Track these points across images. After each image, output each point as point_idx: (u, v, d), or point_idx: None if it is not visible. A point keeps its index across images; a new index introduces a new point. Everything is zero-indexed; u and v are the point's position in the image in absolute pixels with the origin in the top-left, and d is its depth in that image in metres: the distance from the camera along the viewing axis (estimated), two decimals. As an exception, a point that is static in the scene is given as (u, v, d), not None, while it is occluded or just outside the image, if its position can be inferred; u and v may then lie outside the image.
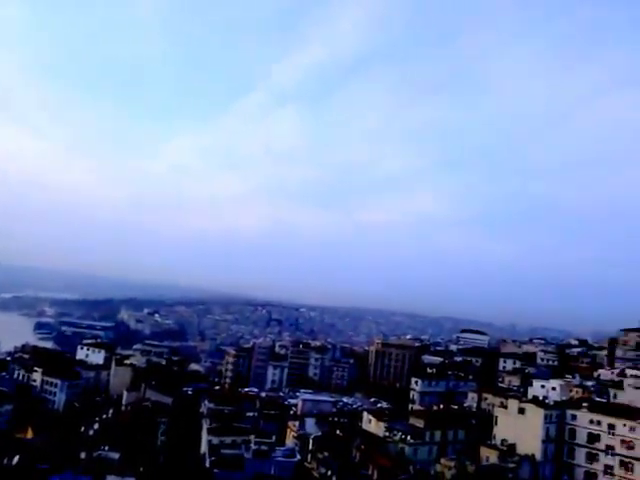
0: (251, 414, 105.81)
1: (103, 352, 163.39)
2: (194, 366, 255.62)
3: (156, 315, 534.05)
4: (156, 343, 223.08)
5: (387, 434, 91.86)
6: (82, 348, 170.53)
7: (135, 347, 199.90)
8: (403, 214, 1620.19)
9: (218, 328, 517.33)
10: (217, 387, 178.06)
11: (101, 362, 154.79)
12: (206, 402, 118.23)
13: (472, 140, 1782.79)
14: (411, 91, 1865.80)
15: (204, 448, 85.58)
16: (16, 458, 59.28)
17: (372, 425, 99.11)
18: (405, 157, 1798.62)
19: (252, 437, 79.44)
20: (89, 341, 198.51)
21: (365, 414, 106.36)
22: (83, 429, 75.86)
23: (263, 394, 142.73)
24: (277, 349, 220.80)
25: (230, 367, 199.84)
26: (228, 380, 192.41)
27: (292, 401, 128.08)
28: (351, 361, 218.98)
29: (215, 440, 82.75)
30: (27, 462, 59.03)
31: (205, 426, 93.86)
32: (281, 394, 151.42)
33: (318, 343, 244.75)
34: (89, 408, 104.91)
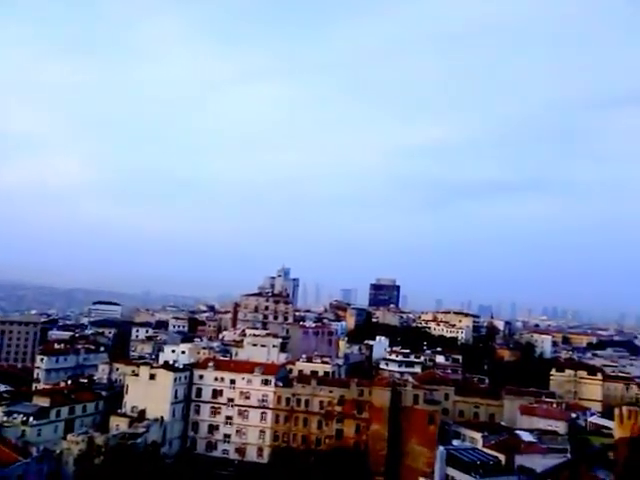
0: None
1: None
2: None
3: None
4: None
5: (5, 419, 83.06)
6: None
7: None
8: (34, 178, 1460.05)
9: None
10: None
11: None
12: None
13: (112, 107, 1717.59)
14: (47, 48, 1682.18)
15: None
16: None
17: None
18: (35, 118, 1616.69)
19: None
20: None
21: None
22: None
23: None
24: None
25: None
26: None
27: None
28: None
29: None
30: None
31: None
32: None
33: None
34: None
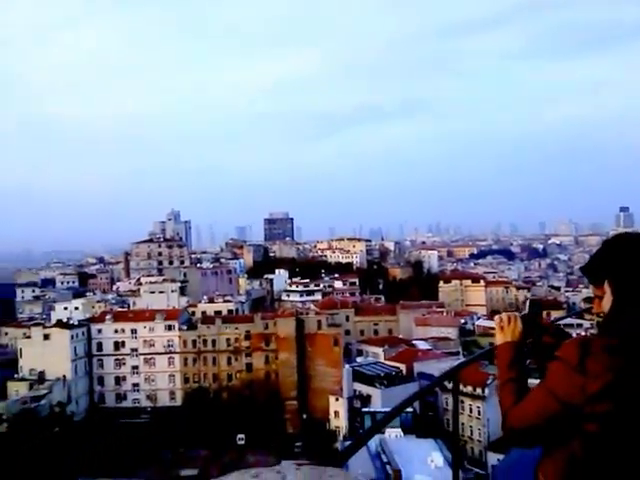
0: None
1: None
2: None
3: None
4: None
5: None
6: None
7: None
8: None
9: None
10: None
11: None
12: None
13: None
14: None
15: None
16: None
17: None
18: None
19: None
20: None
21: None
22: None
23: None
24: None
25: None
26: None
27: None
28: None
29: None
30: None
31: None
32: None
33: None
34: None
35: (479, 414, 69.12)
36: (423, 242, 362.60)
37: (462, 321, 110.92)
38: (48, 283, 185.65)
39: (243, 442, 79.19)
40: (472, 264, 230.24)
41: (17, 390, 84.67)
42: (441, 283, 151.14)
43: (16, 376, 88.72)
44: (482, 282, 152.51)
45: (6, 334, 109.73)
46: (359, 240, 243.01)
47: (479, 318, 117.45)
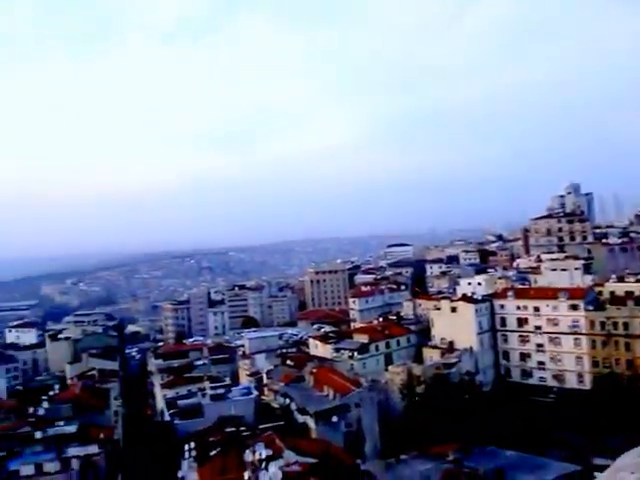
0: (201, 362, 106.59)
1: (34, 331, 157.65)
2: (133, 327, 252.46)
3: (80, 284, 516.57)
4: (87, 312, 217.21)
5: (335, 354, 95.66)
6: (10, 331, 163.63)
7: (66, 320, 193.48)
8: (308, 144, 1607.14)
9: (149, 286, 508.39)
10: (161, 343, 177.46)
11: (34, 341, 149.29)
12: (153, 359, 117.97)
13: (358, 61, 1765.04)
14: (289, 19, 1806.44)
15: (160, 403, 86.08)
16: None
17: (319, 349, 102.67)
18: (297, 87, 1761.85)
19: (206, 383, 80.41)
20: (16, 322, 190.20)
21: (311, 340, 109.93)
22: (32, 410, 74.09)
23: (209, 341, 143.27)
24: (213, 296, 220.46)
25: (170, 322, 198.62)
26: (171, 334, 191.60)
27: (238, 342, 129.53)
28: (288, 294, 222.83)
29: (170, 393, 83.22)
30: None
31: (157, 382, 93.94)
32: (226, 338, 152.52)
33: (253, 283, 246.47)
34: (33, 389, 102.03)
35: None
36: None
37: None
38: (452, 260, 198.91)
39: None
40: None
41: (431, 356, 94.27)
42: None
43: (429, 343, 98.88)
44: None
45: (419, 305, 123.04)
46: None
47: None
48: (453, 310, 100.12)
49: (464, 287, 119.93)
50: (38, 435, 61.39)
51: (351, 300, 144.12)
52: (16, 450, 58.34)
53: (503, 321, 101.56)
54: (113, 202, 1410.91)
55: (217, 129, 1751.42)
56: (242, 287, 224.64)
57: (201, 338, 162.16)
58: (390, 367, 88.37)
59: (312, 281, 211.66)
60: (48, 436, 61.16)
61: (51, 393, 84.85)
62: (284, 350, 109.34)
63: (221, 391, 74.90)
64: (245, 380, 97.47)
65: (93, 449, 57.59)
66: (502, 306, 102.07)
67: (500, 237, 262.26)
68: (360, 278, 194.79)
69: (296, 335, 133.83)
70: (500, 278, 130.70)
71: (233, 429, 57.42)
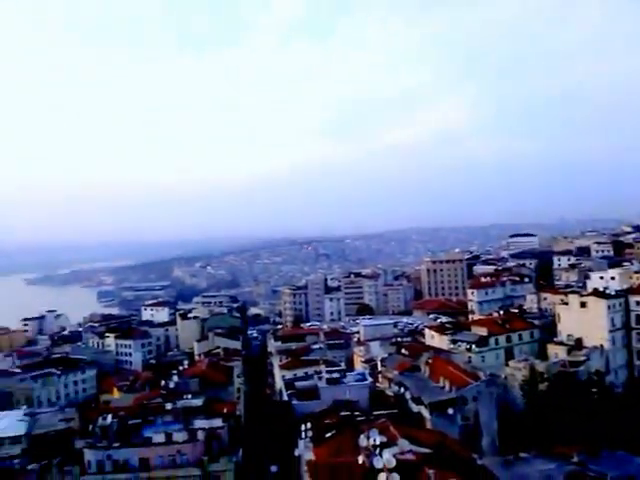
0: (317, 346, 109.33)
1: (166, 309, 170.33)
2: (254, 310, 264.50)
3: (208, 268, 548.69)
4: (214, 294, 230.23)
5: (452, 346, 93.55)
6: (146, 309, 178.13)
7: (195, 300, 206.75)
8: (426, 130, 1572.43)
9: (269, 271, 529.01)
10: (279, 326, 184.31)
11: (166, 319, 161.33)
12: (272, 341, 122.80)
13: (480, 45, 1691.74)
14: (402, 13, 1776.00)
15: (279, 383, 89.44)
16: (109, 417, 63.23)
17: (435, 340, 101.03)
18: (418, 72, 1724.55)
19: (322, 367, 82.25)
20: (151, 301, 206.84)
21: (427, 330, 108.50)
22: (164, 383, 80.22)
23: (325, 326, 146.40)
24: (329, 282, 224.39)
25: (288, 306, 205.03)
26: (289, 318, 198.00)
27: (353, 329, 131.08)
28: (404, 282, 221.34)
29: (288, 375, 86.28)
30: (119, 419, 62.98)
31: (276, 363, 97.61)
32: (342, 324, 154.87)
33: (369, 270, 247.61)
34: (165, 363, 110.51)
35: None
36: None
37: None
38: (583, 252, 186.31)
39: None
40: None
41: (556, 353, 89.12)
42: None
43: (555, 339, 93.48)
44: None
45: (545, 299, 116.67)
46: None
47: None
48: (582, 305, 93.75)
49: (595, 281, 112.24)
50: (168, 406, 66.32)
51: (469, 291, 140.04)
52: (150, 419, 63.36)
53: (639, 319, 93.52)
54: (234, 192, 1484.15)
55: (330, 120, 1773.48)
56: (358, 275, 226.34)
57: (317, 323, 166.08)
58: (511, 362, 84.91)
59: (429, 270, 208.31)
60: (177, 408, 65.78)
61: (180, 368, 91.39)
62: (399, 339, 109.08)
63: (336, 375, 76.19)
64: (359, 366, 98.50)
65: (217, 422, 61.11)
66: (638, 302, 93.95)
67: (638, 228, 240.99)
68: (479, 268, 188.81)
69: (411, 324, 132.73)
70: (636, 272, 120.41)
71: (348, 413, 58.19)
